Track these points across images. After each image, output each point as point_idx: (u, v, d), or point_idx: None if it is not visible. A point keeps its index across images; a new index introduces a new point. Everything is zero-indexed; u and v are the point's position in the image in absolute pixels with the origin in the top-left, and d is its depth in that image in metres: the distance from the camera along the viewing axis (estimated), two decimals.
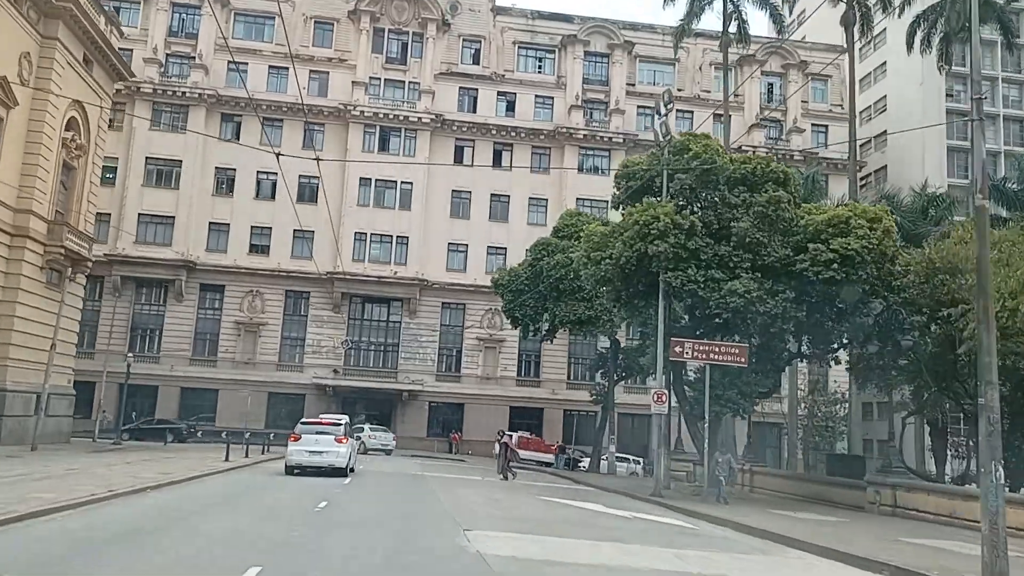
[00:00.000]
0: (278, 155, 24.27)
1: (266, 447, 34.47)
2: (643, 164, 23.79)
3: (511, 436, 48.49)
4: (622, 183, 24.01)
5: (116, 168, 48.76)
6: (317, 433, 21.74)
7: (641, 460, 46.00)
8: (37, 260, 31.40)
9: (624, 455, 46.68)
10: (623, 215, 23.33)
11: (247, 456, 26.91)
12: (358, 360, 50.70)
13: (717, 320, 22.77)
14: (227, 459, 23.79)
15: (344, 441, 22.00)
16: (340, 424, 22.78)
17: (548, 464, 45.93)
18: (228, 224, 49.99)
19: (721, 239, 21.43)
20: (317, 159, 25.94)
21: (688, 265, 20.91)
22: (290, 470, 21.25)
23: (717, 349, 20.33)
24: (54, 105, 31.59)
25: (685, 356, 20.48)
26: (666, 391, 21.43)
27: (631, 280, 22.23)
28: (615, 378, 39.60)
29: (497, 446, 28.83)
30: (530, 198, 52.87)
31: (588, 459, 46.26)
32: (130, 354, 40.63)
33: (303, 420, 24.69)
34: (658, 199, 22.03)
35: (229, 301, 49.42)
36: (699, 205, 22.57)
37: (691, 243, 20.91)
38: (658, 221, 20.52)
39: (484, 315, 51.49)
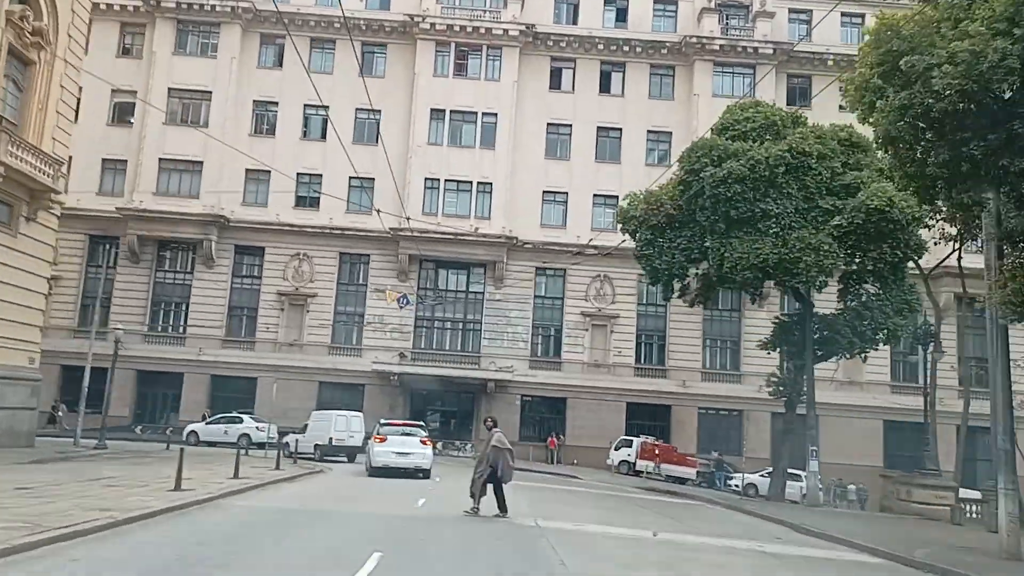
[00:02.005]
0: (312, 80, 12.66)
1: (293, 456, 23.88)
2: None
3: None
4: None
5: (133, 104, 39.47)
6: (403, 435, 22.21)
7: (801, 474, 33.01)
8: None
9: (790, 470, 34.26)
10: None
11: (236, 476, 16.01)
12: (431, 341, 39.77)
13: None
14: (178, 487, 12.88)
15: (428, 443, 22.41)
16: (421, 425, 24.53)
17: (682, 480, 33.87)
18: (268, 171, 39.80)
19: None
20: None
21: None
22: (375, 471, 21.16)
23: None
24: None
25: None
26: None
27: None
28: (814, 357, 26.44)
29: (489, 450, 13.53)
30: (648, 131, 40.71)
31: (737, 475, 33.97)
32: (119, 326, 30.63)
33: (383, 421, 24.46)
34: None
35: (270, 267, 39.35)
36: None
37: None
38: None
39: (591, 283, 39.71)
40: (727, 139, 24.24)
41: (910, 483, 22.88)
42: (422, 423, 25.81)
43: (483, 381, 38.05)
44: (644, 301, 40.04)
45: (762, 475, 33.08)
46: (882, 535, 15.70)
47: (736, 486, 33.21)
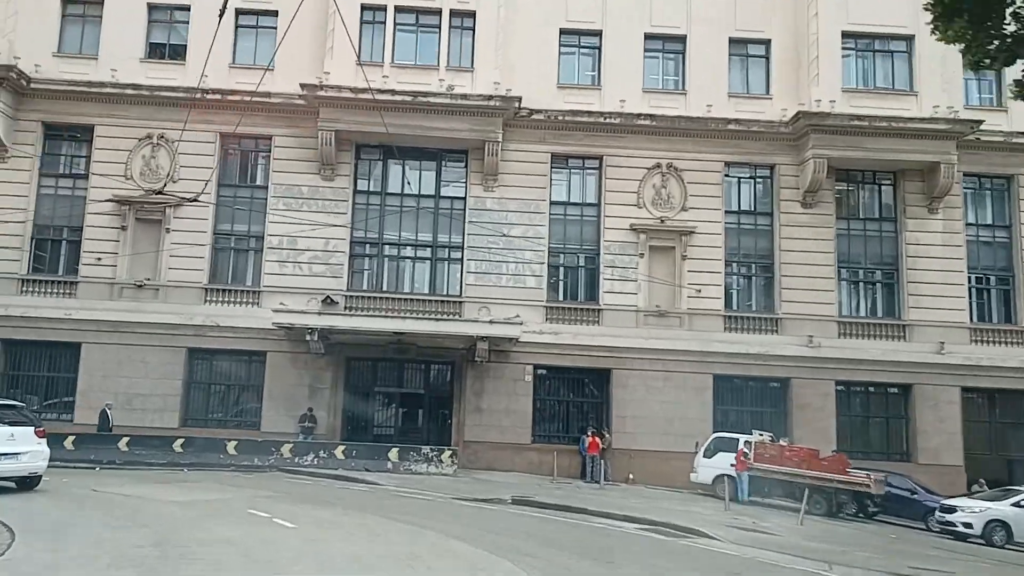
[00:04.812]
0: None
1: None
2: None
3: (746, 444, 19.90)
4: None
5: None
6: (9, 423, 13.31)
7: (983, 483, 16.92)
8: None
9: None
10: None
11: None
12: (379, 278, 23.81)
13: None
14: None
15: (43, 435, 13.88)
16: (22, 406, 14.92)
17: (861, 510, 18.07)
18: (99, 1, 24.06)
19: None
20: None
21: None
22: None
23: None
24: None
25: None
26: None
27: None
28: None
29: None
30: None
31: (962, 504, 18.25)
32: None
33: None
34: None
35: (104, 158, 23.34)
36: None
37: None
38: None
39: (647, 177, 23.74)
40: None
41: None
42: (21, 402, 15.50)
43: (469, 341, 22.03)
44: (736, 206, 24.10)
45: (1016, 504, 17.14)
46: None
47: (959, 525, 17.17)
